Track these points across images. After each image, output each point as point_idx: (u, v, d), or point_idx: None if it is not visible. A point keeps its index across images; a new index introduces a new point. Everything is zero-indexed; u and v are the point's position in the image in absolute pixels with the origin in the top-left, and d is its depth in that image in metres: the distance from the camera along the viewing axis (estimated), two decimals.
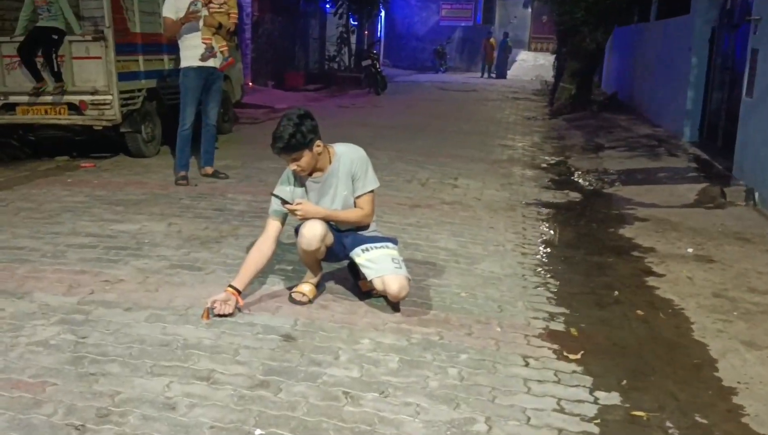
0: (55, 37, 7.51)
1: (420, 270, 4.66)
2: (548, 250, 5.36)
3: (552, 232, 5.89)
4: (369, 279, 3.90)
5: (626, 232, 5.98)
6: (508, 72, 30.05)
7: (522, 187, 7.66)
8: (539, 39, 32.80)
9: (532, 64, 31.16)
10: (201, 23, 6.71)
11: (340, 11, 21.79)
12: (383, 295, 4.00)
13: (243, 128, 11.15)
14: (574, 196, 7.42)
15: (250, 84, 13.77)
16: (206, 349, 3.35)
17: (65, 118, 7.61)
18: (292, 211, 3.79)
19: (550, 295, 4.38)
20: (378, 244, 3.96)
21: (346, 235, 4.02)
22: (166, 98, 8.45)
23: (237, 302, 3.75)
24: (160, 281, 4.18)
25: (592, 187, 7.90)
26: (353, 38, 23.25)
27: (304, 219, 3.85)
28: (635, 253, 5.35)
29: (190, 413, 2.78)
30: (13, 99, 7.65)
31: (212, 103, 7.06)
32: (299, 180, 3.91)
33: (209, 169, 7.22)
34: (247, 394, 2.95)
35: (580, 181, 8.24)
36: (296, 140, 3.65)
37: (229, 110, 10.23)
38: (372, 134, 10.72)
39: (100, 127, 7.62)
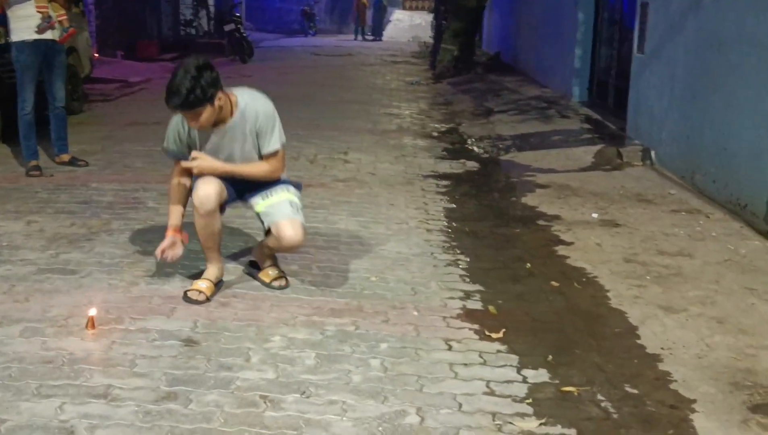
0: None
1: (323, 255, 4.69)
2: (453, 224, 5.51)
3: (454, 205, 6.05)
4: (266, 226, 3.90)
5: (529, 200, 6.25)
6: (384, 33, 30.32)
7: (416, 158, 7.80)
8: None
9: (408, 24, 31.58)
10: None
11: None
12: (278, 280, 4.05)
13: (95, 107, 10.67)
14: (471, 165, 7.65)
15: (96, 55, 13.13)
16: (98, 362, 3.23)
17: None
18: (193, 165, 3.74)
19: (463, 272, 4.53)
20: (278, 187, 3.96)
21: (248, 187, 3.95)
22: (4, 77, 7.89)
23: (183, 241, 3.87)
24: (29, 289, 3.97)
25: (487, 155, 8.17)
26: (211, 0, 22.66)
27: (201, 174, 3.76)
28: (541, 222, 5.60)
29: None
30: None
31: (57, 81, 6.68)
32: (191, 130, 3.77)
33: (65, 157, 6.87)
34: (154, 409, 2.88)
35: (475, 148, 8.49)
36: (195, 96, 3.50)
37: (78, 87, 9.72)
38: None
39: None
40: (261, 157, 3.90)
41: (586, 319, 3.91)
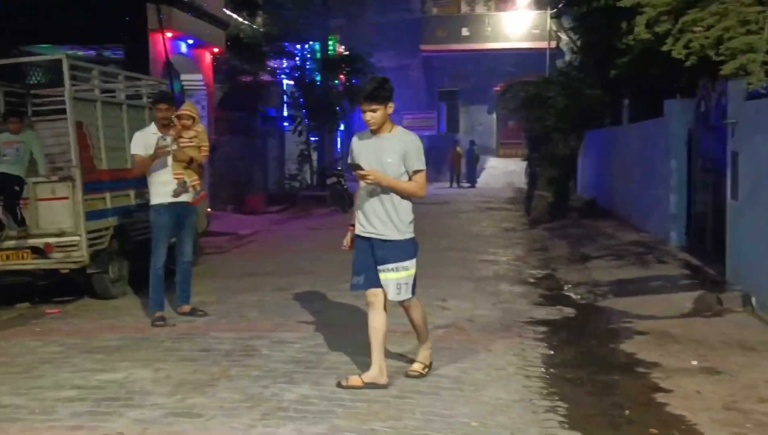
0: (17, 189, 7.87)
1: (425, 401, 4.96)
2: (552, 371, 5.71)
3: (552, 351, 6.25)
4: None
5: (627, 347, 6.38)
6: (478, 180, 31.21)
7: (513, 305, 8.07)
8: (507, 145, 34.22)
9: (502, 171, 32.39)
10: (171, 158, 7.11)
11: (299, 129, 22.75)
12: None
13: (210, 259, 11.49)
14: (568, 311, 7.84)
15: (209, 210, 14.23)
16: None
17: (29, 263, 7.90)
18: (363, 176, 5.02)
19: (562, 419, 4.71)
20: (392, 266, 5.15)
21: (381, 247, 5.15)
22: (133, 235, 8.79)
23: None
24: (160, 432, 4.41)
25: (584, 301, 8.35)
26: (314, 155, 24.16)
27: (372, 183, 5.03)
28: (640, 369, 5.73)
29: None
30: None
31: (187, 239, 7.44)
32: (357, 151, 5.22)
33: (186, 308, 7.50)
34: None
35: (572, 294, 8.70)
36: (378, 93, 5.00)
37: (196, 242, 10.59)
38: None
39: (67, 271, 7.91)
40: (395, 177, 5.11)
41: None
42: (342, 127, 27.53)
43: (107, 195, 8.42)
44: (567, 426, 4.59)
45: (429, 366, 5.52)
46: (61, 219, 7.87)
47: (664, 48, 6.75)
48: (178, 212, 7.21)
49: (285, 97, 23.47)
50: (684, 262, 9.74)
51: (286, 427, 4.49)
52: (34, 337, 6.79)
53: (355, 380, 5.15)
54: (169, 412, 4.74)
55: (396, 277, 5.15)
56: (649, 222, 12.35)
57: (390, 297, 5.20)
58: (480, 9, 34.75)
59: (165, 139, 7.05)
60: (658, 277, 9.20)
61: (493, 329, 6.97)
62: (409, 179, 5.16)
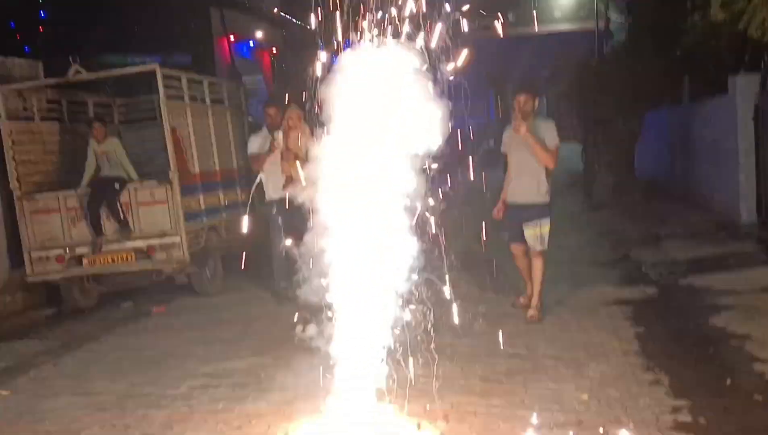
0: (117, 186, 8.42)
1: (534, 377, 5.30)
2: (647, 347, 5.98)
3: (642, 328, 6.52)
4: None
5: (716, 321, 6.62)
6: None
7: (595, 287, 8.31)
8: (560, 129, 34.18)
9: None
10: (279, 156, 7.66)
11: None
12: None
13: None
14: (651, 290, 8.08)
15: None
16: None
17: (133, 265, 8.42)
18: (518, 129, 6.66)
19: (667, 389, 5.01)
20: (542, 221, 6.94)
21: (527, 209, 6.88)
22: (225, 234, 9.28)
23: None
24: (300, 409, 4.81)
25: (664, 280, 8.57)
26: None
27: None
28: (733, 342, 5.98)
29: None
30: (79, 251, 8.46)
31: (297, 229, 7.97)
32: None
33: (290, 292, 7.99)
34: None
35: (651, 274, 8.91)
36: (534, 87, 7.10)
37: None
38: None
39: (170, 270, 8.41)
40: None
41: None
42: None
43: (201, 197, 8.90)
44: (673, 395, 4.88)
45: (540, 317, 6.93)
46: (161, 221, 8.36)
47: (740, 26, 6.92)
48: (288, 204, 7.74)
49: None
50: (757, 238, 9.88)
51: (412, 403, 4.84)
52: (151, 334, 7.30)
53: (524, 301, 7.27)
54: (300, 393, 5.12)
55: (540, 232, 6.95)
56: (718, 200, 12.43)
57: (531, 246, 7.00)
58: None
59: (277, 136, 7.67)
60: (734, 253, 9.36)
61: (581, 310, 7.25)
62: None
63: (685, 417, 4.53)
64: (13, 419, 5.23)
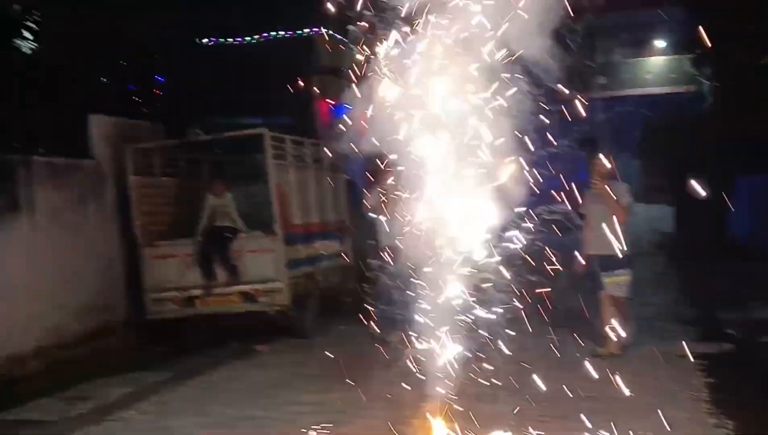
0: (229, 235, 9.36)
1: (605, 417, 5.75)
2: (716, 396, 6.35)
3: (713, 380, 6.87)
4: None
5: None
6: None
7: (674, 341, 8.62)
8: (653, 190, 33.99)
9: (645, 217, 32.16)
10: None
11: None
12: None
13: None
14: (727, 346, 8.37)
15: None
16: None
17: (240, 306, 9.27)
18: (595, 185, 7.54)
19: (729, 432, 5.39)
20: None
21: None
22: (322, 282, 10.09)
23: None
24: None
25: (743, 338, 8.82)
26: None
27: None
28: None
29: None
30: (192, 293, 9.39)
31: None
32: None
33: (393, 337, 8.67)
34: None
35: (730, 332, 9.17)
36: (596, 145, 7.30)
37: None
38: None
39: (273, 313, 9.22)
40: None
41: None
42: None
43: (301, 247, 9.75)
44: None
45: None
46: (266, 268, 9.21)
47: None
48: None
49: None
50: None
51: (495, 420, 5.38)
52: (256, 368, 8.08)
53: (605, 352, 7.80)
54: (396, 419, 5.71)
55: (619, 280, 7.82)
56: None
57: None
58: (616, 56, 35.10)
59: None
60: None
61: (657, 362, 7.62)
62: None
63: None
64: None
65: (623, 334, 7.76)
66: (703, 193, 15.80)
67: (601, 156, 7.80)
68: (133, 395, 7.31)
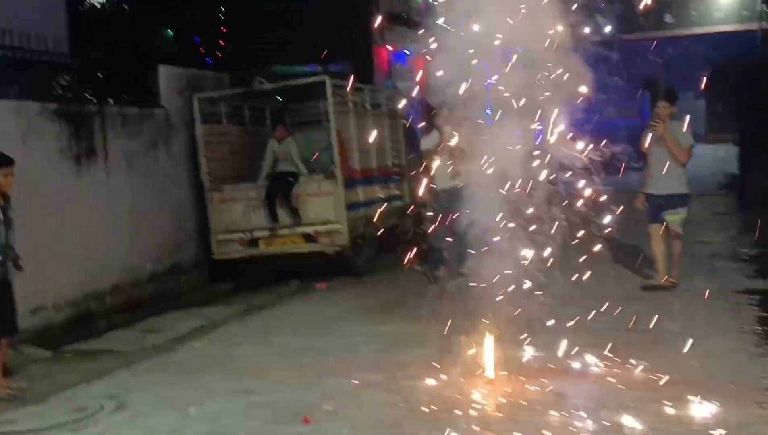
0: (291, 180, 9.71)
1: (654, 348, 5.94)
2: (765, 328, 6.45)
3: (764, 313, 6.95)
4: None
5: None
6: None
7: (728, 277, 8.71)
8: (717, 130, 33.20)
9: (711, 158, 31.53)
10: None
11: None
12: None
13: None
14: None
15: None
16: None
17: (302, 247, 9.67)
18: (655, 127, 7.83)
19: None
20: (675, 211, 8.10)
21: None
22: (380, 223, 10.40)
23: None
24: (442, 362, 5.73)
25: None
26: None
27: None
28: None
29: None
30: (257, 234, 9.82)
31: (463, 216, 9.00)
32: None
33: (462, 269, 9.04)
34: None
35: None
36: (672, 95, 8.29)
37: None
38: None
39: (332, 253, 9.59)
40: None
41: None
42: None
43: (360, 190, 10.06)
44: None
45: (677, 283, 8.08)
46: (326, 211, 9.55)
47: None
48: (455, 193, 8.78)
49: (489, 96, 24.61)
50: None
51: (540, 362, 5.65)
52: (317, 304, 8.50)
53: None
54: (443, 350, 6.02)
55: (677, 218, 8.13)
56: None
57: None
58: None
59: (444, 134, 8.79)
60: None
61: (710, 297, 7.70)
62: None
63: None
64: (209, 362, 6.49)
65: (674, 267, 8.15)
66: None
67: (662, 98, 8.05)
68: (203, 328, 7.79)
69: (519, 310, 7.32)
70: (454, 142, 8.97)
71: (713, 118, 33.44)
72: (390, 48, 16.38)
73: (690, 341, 6.06)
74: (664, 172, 7.97)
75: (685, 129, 8.08)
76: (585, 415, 4.61)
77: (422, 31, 15.02)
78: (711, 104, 32.34)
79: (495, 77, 6.06)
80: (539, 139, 5.96)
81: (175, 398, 5.44)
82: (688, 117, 8.26)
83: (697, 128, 34.11)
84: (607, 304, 7.32)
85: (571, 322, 6.85)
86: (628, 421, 4.49)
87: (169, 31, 14.67)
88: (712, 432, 4.28)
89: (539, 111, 5.61)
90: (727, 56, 26.66)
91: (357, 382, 5.48)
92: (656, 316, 6.94)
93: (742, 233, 12.63)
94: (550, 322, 6.87)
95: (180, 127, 10.18)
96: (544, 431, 4.40)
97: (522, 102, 5.74)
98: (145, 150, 9.58)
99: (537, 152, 5.91)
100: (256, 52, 15.35)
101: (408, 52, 17.95)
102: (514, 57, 5.63)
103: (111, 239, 8.85)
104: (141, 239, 9.34)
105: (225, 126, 10.57)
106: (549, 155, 5.80)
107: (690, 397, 4.79)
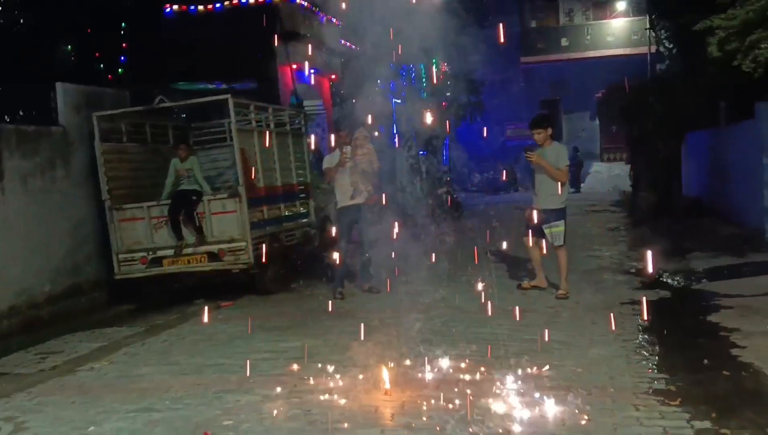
0: (194, 198, 9.72)
1: (541, 356, 6.29)
2: (646, 336, 6.92)
3: (646, 323, 7.44)
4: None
5: (713, 318, 7.51)
6: (583, 185, 31.93)
7: (614, 290, 9.24)
8: (611, 149, 34.76)
9: (606, 175, 32.96)
10: (348, 171, 9.30)
11: (408, 144, 24.31)
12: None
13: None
14: (664, 293, 8.97)
15: None
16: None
17: (206, 266, 9.67)
18: (530, 157, 8.61)
19: (651, 367, 5.96)
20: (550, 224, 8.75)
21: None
22: (284, 241, 10.53)
23: None
24: (341, 376, 5.94)
25: (680, 286, 9.43)
26: (423, 168, 25.65)
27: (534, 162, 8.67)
28: (722, 334, 6.88)
29: None
30: (160, 253, 9.76)
31: (365, 231, 9.47)
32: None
33: (366, 286, 9.59)
34: None
35: (669, 281, 9.77)
36: (539, 122, 8.81)
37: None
38: (465, 255, 12.49)
39: (237, 271, 9.64)
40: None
41: (748, 393, 5.22)
42: (447, 141, 28.91)
43: (264, 208, 10.15)
44: (654, 371, 5.84)
45: (567, 295, 8.72)
46: (231, 229, 9.60)
47: (735, 63, 7.85)
48: (356, 211, 9.39)
49: (394, 115, 25.06)
50: None
51: (433, 372, 5.92)
52: (220, 322, 8.51)
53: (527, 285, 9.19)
54: (343, 363, 6.25)
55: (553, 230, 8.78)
56: (747, 216, 13.14)
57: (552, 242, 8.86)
58: (578, 19, 35.57)
59: (346, 152, 9.37)
60: (750, 263, 10.15)
61: (596, 308, 8.19)
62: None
63: (660, 386, 5.47)
64: (111, 381, 6.45)
65: (563, 279, 8.92)
66: (656, 151, 16.32)
67: (535, 128, 8.86)
68: (104, 349, 7.71)
69: (417, 321, 7.69)
70: (355, 161, 9.37)
71: (607, 137, 35.00)
72: (294, 66, 16.55)
73: (575, 349, 6.51)
74: (541, 190, 8.83)
75: (559, 151, 8.85)
76: (476, 421, 4.86)
77: (325, 50, 15.51)
78: (604, 124, 33.84)
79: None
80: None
81: (75, 419, 5.42)
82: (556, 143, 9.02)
83: (593, 147, 35.91)
84: (494, 315, 7.79)
85: (468, 331, 7.23)
86: (513, 426, 4.77)
87: (69, 47, 14.40)
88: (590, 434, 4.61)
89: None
90: (618, 79, 28.09)
91: (257, 397, 5.59)
92: (546, 326, 7.39)
93: (630, 247, 13.36)
94: (448, 332, 7.24)
95: (79, 145, 10.05)
96: None
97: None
98: (42, 169, 9.42)
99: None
100: (158, 69, 15.25)
101: (313, 71, 18.23)
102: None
103: (6, 260, 8.67)
104: (38, 260, 9.17)
105: (126, 144, 10.48)
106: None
107: (570, 400, 5.14)
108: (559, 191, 8.71)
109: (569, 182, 31.26)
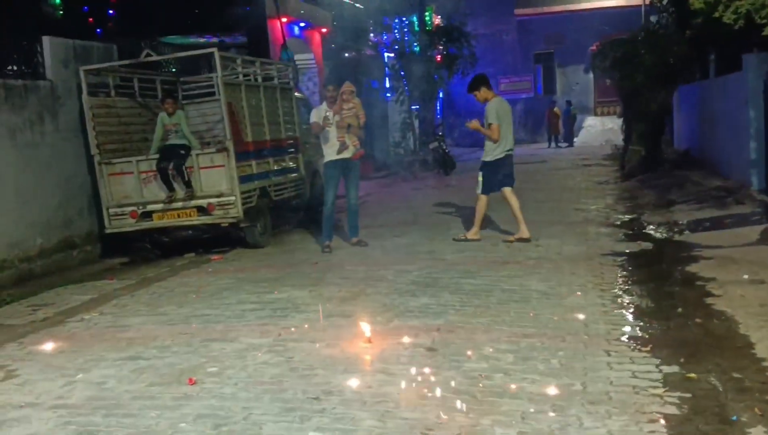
0: (183, 152, 9.77)
1: (518, 306, 6.46)
2: (624, 286, 7.07)
3: (626, 273, 7.60)
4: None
5: (692, 268, 7.65)
6: (576, 139, 31.96)
7: (597, 242, 9.39)
8: (605, 103, 34.73)
9: (599, 129, 33.00)
10: (334, 127, 9.40)
11: (400, 98, 24.27)
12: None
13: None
14: (646, 245, 9.10)
15: None
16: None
17: (195, 220, 9.78)
18: (467, 125, 9.59)
19: (627, 314, 6.12)
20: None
21: None
22: (274, 195, 10.63)
23: None
24: (325, 325, 6.10)
25: (662, 237, 9.57)
26: (416, 123, 25.64)
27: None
28: (698, 283, 7.02)
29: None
30: (150, 208, 9.86)
31: (352, 186, 9.71)
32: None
33: (355, 239, 9.81)
34: None
35: (652, 233, 9.92)
36: (472, 86, 9.47)
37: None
38: (453, 210, 12.64)
39: (226, 224, 9.76)
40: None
41: (717, 339, 5.37)
42: (441, 95, 28.83)
43: (253, 162, 10.22)
44: (630, 319, 5.99)
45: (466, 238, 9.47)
46: (219, 183, 9.68)
47: (716, 15, 7.87)
48: (342, 165, 9.52)
49: (386, 69, 24.97)
50: (761, 203, 10.73)
51: (414, 321, 6.09)
52: (209, 275, 8.66)
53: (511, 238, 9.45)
54: (327, 314, 6.41)
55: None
56: (733, 168, 13.26)
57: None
58: None
59: (328, 117, 9.41)
60: (732, 215, 10.28)
61: (578, 259, 8.35)
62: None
63: (633, 332, 5.63)
64: (100, 331, 6.60)
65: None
66: (647, 104, 16.36)
67: (472, 91, 9.58)
68: (94, 301, 7.85)
69: (403, 273, 7.84)
70: (341, 116, 9.44)
71: (601, 91, 34.90)
72: (284, 20, 16.46)
73: (553, 298, 6.67)
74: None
75: (488, 110, 9.44)
76: (452, 365, 5.03)
77: (316, 2, 15.59)
78: (598, 78, 33.67)
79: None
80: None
81: (63, 366, 5.57)
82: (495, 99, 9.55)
83: (587, 101, 35.83)
84: (478, 266, 7.93)
85: (452, 283, 7.38)
86: (487, 369, 4.93)
87: (56, 0, 14.30)
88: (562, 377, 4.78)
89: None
90: (613, 31, 27.90)
91: (242, 345, 5.75)
92: (527, 277, 7.55)
93: (618, 200, 13.50)
94: (432, 284, 7.40)
95: (67, 99, 10.07)
96: (415, 382, 4.79)
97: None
98: (32, 123, 9.46)
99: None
100: (146, 23, 15.17)
101: (303, 24, 18.15)
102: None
103: None
104: (29, 214, 9.26)
105: (114, 98, 10.49)
106: None
107: (543, 345, 5.31)
108: (489, 147, 9.45)
109: (563, 136, 31.32)
